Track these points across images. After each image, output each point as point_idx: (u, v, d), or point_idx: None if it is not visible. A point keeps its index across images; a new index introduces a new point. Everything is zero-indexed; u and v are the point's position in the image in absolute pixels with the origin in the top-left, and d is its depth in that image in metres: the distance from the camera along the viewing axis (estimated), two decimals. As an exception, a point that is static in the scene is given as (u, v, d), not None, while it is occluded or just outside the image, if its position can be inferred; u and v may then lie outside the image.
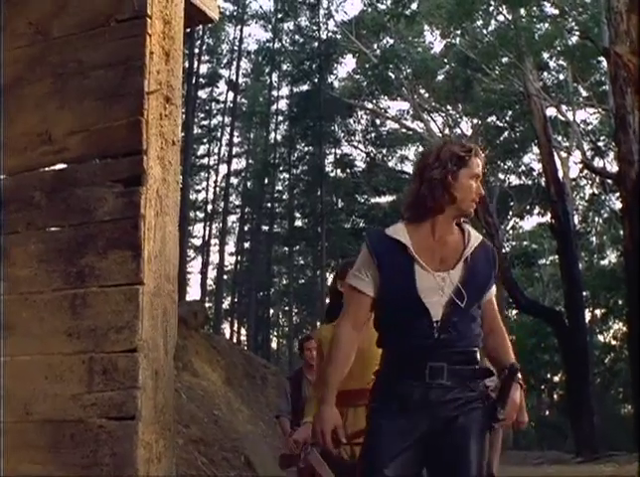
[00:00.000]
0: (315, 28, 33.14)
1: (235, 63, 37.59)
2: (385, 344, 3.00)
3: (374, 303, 2.95)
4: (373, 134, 32.85)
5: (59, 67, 3.18)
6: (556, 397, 39.80)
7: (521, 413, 2.94)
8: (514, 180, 30.52)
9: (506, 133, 28.59)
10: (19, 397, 2.96)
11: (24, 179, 3.15)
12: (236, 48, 37.61)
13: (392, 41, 26.82)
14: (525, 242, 35.69)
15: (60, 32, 3.22)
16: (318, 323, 31.60)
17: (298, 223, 36.82)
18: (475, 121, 28.44)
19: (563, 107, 24.51)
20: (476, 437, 2.82)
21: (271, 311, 43.09)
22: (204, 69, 36.27)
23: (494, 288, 3.08)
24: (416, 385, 2.82)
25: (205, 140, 40.20)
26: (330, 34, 32.29)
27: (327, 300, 5.48)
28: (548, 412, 41.59)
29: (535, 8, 22.24)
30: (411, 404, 2.81)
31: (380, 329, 3.01)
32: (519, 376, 2.91)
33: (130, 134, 2.96)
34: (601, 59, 20.14)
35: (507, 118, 27.76)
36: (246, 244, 40.85)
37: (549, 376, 37.63)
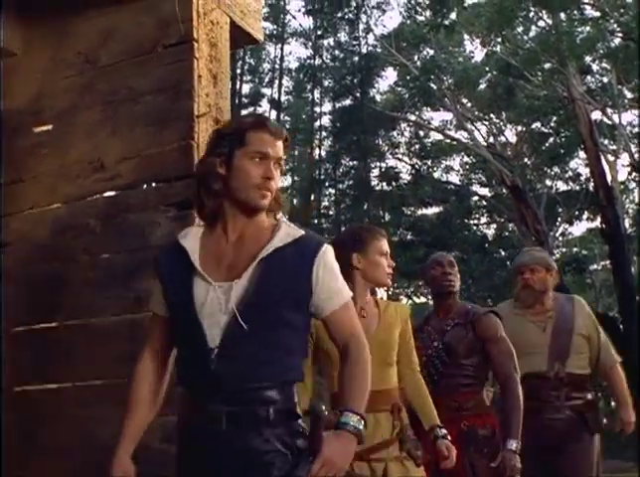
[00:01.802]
0: (355, 43, 33.15)
1: (276, 81, 37.74)
2: None
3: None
4: (417, 146, 32.69)
5: (108, 94, 3.23)
6: (612, 405, 39.18)
7: (333, 469, 2.09)
8: (561, 186, 30.15)
9: (551, 139, 28.29)
10: (80, 422, 2.99)
11: (78, 206, 3.20)
12: (277, 66, 37.80)
13: (432, 52, 26.72)
14: (575, 249, 35.18)
15: (108, 60, 3.29)
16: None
17: (346, 238, 36.70)
18: (519, 128, 28.19)
19: (609, 110, 24.20)
20: None
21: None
22: (246, 88, 36.50)
23: (337, 298, 2.30)
24: (200, 431, 2.20)
25: (249, 159, 40.42)
26: (370, 48, 32.26)
27: None
28: (605, 421, 41.00)
29: (575, 11, 22.03)
30: (203, 455, 2.20)
31: None
32: (350, 421, 2.15)
33: (181, 158, 2.98)
34: (646, 59, 19.84)
35: (551, 124, 27.44)
36: (295, 261, 40.78)
37: (604, 384, 37.00)
